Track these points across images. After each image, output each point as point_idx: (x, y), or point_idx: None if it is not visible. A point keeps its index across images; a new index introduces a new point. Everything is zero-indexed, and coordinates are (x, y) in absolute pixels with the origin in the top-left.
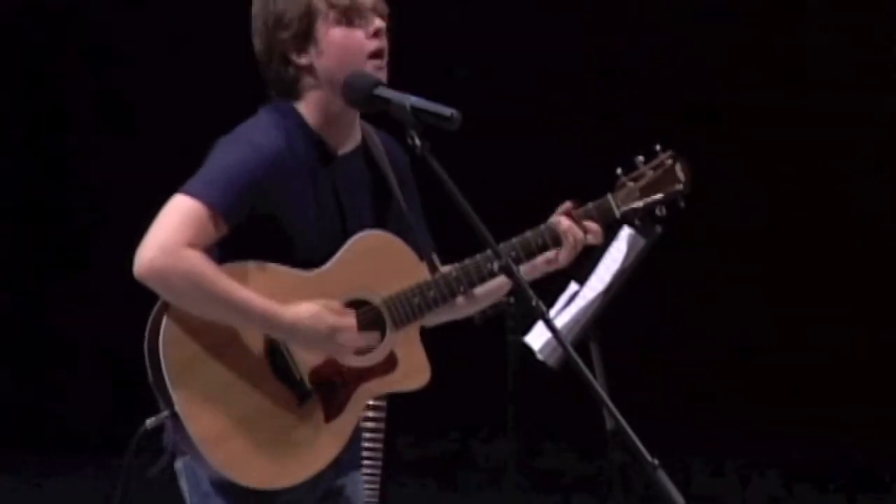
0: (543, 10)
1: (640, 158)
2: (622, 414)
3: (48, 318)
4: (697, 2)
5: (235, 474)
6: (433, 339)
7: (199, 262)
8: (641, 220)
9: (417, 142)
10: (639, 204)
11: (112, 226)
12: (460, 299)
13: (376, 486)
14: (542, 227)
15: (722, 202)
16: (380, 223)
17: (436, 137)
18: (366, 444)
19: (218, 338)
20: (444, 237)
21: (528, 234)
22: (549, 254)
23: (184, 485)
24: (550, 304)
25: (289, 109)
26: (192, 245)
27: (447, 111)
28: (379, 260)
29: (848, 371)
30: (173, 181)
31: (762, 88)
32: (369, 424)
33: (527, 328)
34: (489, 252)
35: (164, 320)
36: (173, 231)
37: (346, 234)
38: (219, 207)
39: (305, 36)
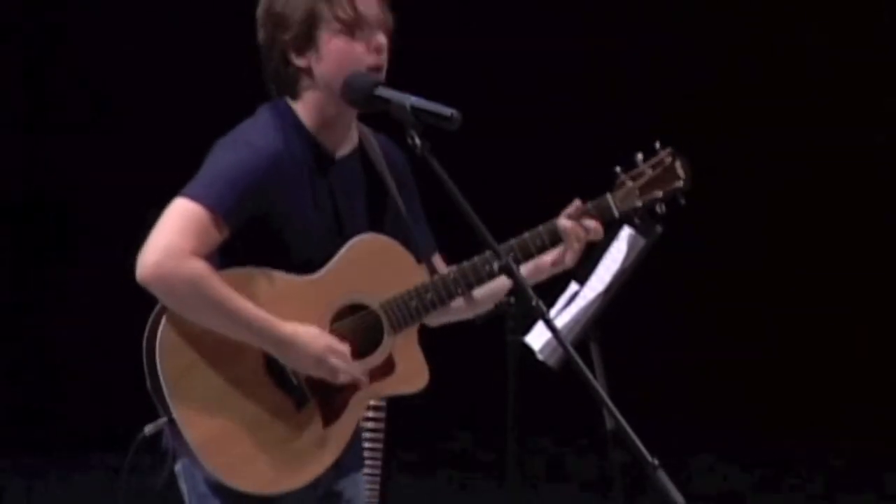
0: (543, 10)
1: (640, 156)
2: (622, 414)
3: (48, 318)
4: (697, 1)
5: (233, 480)
6: (433, 340)
7: (203, 270)
8: (641, 219)
9: (417, 142)
10: (638, 203)
11: (112, 226)
12: (460, 301)
13: (376, 487)
14: (541, 227)
15: (722, 202)
16: (377, 226)
17: (435, 137)
18: (366, 445)
19: (215, 344)
20: (444, 237)
21: (527, 235)
22: (555, 254)
23: (183, 486)
24: (550, 305)
25: (286, 110)
26: (195, 250)
27: (447, 111)
28: (376, 264)
29: (848, 371)
30: (172, 182)
31: (762, 88)
32: (369, 425)
33: (527, 328)
34: (487, 254)
35: (161, 327)
36: (177, 235)
37: (343, 238)
38: (220, 210)
39: (306, 40)
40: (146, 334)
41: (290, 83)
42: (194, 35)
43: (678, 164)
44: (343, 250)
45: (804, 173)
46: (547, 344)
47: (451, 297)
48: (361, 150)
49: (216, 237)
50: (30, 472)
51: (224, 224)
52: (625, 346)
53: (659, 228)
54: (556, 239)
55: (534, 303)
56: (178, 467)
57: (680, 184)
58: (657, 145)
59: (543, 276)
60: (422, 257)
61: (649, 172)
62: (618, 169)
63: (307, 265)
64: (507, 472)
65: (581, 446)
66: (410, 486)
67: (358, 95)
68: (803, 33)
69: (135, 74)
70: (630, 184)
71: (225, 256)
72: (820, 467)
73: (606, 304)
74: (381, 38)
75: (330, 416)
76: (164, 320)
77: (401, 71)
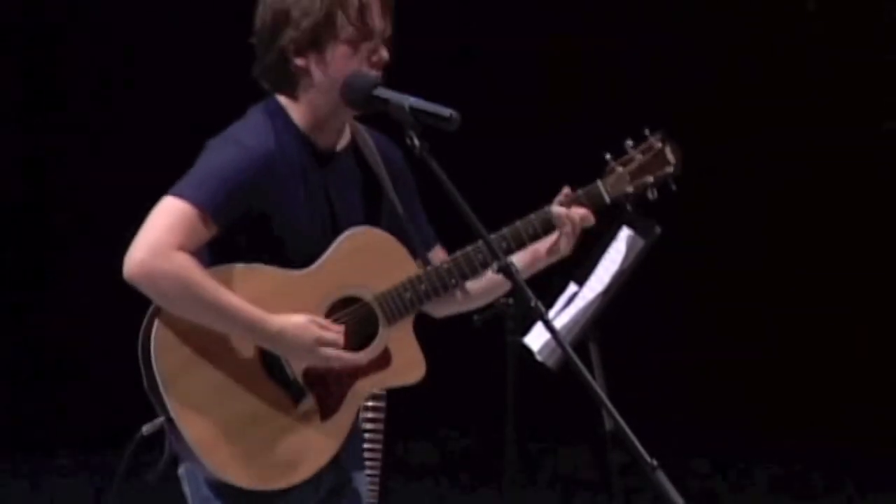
0: (543, 11)
1: (629, 142)
2: (621, 414)
3: (47, 318)
4: (697, 1)
5: (233, 477)
6: (433, 340)
7: (189, 266)
8: (633, 205)
9: (416, 142)
10: (629, 188)
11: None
12: (463, 290)
13: (376, 486)
14: (532, 215)
15: (722, 202)
16: (373, 222)
17: (435, 137)
18: (365, 445)
19: (210, 341)
20: (443, 237)
21: (518, 223)
22: (550, 242)
23: (186, 490)
24: (549, 305)
25: (278, 109)
26: (182, 246)
27: (446, 111)
28: (369, 256)
29: (848, 371)
30: (171, 182)
31: (762, 88)
32: (368, 425)
33: (526, 329)
34: (480, 243)
35: (156, 326)
36: (163, 233)
37: (337, 234)
38: (208, 209)
39: (312, 42)
40: (141, 334)
41: (286, 81)
42: (194, 35)
43: (668, 149)
44: (336, 244)
45: (804, 173)
46: (546, 345)
47: (446, 287)
48: (355, 147)
49: (203, 234)
50: (30, 472)
51: (212, 221)
52: (624, 346)
53: (658, 229)
54: (548, 227)
55: (533, 304)
56: (180, 471)
57: (670, 168)
58: (647, 131)
59: (540, 266)
60: (419, 252)
61: (639, 158)
62: (608, 155)
63: (301, 261)
64: (506, 473)
65: (580, 447)
66: (410, 486)
67: (357, 95)
68: (803, 33)
69: (135, 74)
70: (620, 170)
71: (217, 253)
72: (820, 467)
73: (605, 304)
74: (385, 53)
75: (328, 409)
76: (158, 319)
77: (401, 71)
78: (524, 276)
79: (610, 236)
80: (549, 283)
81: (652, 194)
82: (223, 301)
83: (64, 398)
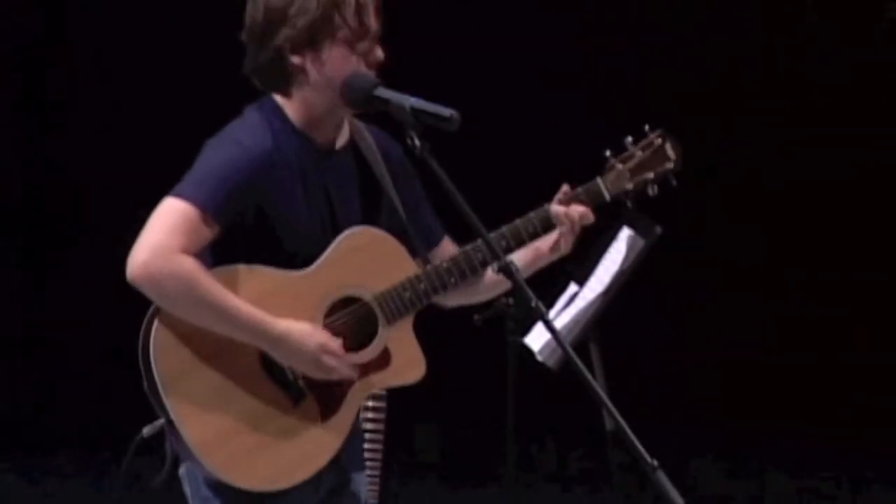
0: (543, 11)
1: (629, 139)
2: (621, 414)
3: (46, 318)
4: (697, 1)
5: (233, 477)
6: (434, 340)
7: (192, 268)
8: (633, 202)
9: (417, 142)
10: (629, 185)
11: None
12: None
13: (376, 486)
14: (532, 214)
15: (721, 202)
16: (372, 220)
17: (435, 137)
18: (366, 445)
19: (210, 342)
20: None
21: (518, 221)
22: (552, 240)
23: (186, 490)
24: (550, 305)
25: (273, 108)
26: (184, 248)
27: (446, 112)
28: (368, 256)
29: (848, 370)
30: (162, 180)
31: (762, 87)
32: (369, 425)
33: (526, 329)
34: (479, 242)
35: (155, 327)
36: (166, 234)
37: (336, 232)
38: (209, 209)
39: (309, 41)
40: (141, 335)
41: (281, 79)
42: (194, 35)
43: (668, 146)
44: (334, 244)
45: (804, 173)
46: (546, 345)
47: (445, 287)
48: (354, 145)
49: (206, 235)
50: (30, 472)
51: (213, 222)
52: (624, 346)
53: (658, 229)
54: (547, 225)
55: (533, 304)
56: (181, 471)
57: (670, 165)
58: (646, 127)
59: (542, 264)
60: (419, 250)
61: (639, 154)
62: (608, 152)
63: (301, 260)
64: (507, 473)
65: (580, 447)
66: (411, 486)
67: (357, 96)
68: (803, 33)
69: (135, 74)
70: (620, 167)
71: (218, 254)
72: (820, 467)
73: (606, 305)
74: (380, 54)
75: (328, 410)
76: (157, 321)
77: (401, 71)
78: (525, 273)
79: (610, 236)
80: (550, 283)
81: (652, 191)
82: (226, 304)
83: (64, 398)
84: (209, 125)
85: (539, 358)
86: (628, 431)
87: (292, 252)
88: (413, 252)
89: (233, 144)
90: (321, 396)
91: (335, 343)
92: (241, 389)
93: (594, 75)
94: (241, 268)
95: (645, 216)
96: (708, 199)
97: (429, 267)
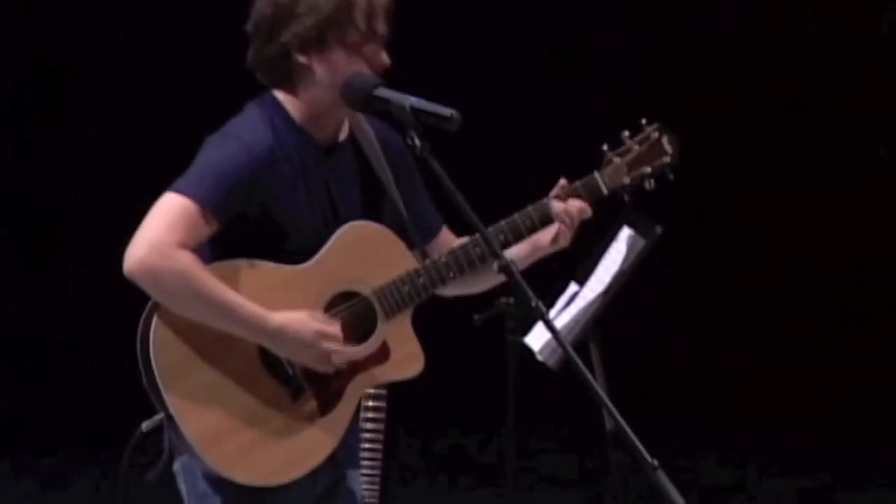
0: (544, 11)
1: (626, 133)
2: (622, 414)
3: (46, 318)
4: (697, 1)
5: (231, 472)
6: (434, 339)
7: (190, 263)
8: (631, 196)
9: (417, 142)
10: (626, 179)
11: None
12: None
13: (377, 486)
14: (530, 207)
15: (721, 202)
16: (373, 214)
17: (435, 137)
18: (366, 445)
19: (209, 338)
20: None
21: (516, 215)
22: (552, 232)
23: (182, 486)
24: (550, 305)
25: (275, 104)
26: (182, 243)
27: (447, 111)
28: (367, 250)
29: (848, 370)
30: (162, 179)
31: (762, 88)
32: (369, 425)
33: (527, 329)
34: (477, 236)
35: (154, 322)
36: (164, 229)
37: (337, 227)
38: (208, 205)
39: (317, 41)
40: (140, 330)
41: (285, 76)
42: (195, 34)
43: (665, 140)
44: (333, 239)
45: (804, 173)
46: (546, 345)
47: (444, 281)
48: (354, 140)
49: (204, 231)
50: (30, 472)
51: (212, 218)
52: (624, 346)
53: (658, 229)
54: (546, 219)
55: (533, 303)
56: (176, 466)
57: (668, 159)
58: (643, 121)
59: (542, 255)
60: (417, 244)
61: (636, 149)
62: (605, 147)
63: (302, 256)
64: (507, 473)
65: (580, 447)
66: (410, 486)
67: (358, 96)
68: (803, 33)
69: (135, 74)
70: (617, 161)
71: (218, 249)
72: (820, 467)
73: (606, 304)
74: (386, 57)
75: (326, 405)
76: (156, 316)
77: (401, 71)
78: (524, 265)
79: (611, 236)
80: (550, 283)
81: (649, 185)
82: (224, 299)
83: (64, 398)
84: (209, 124)
85: (539, 358)
86: (628, 431)
87: (293, 247)
88: (411, 244)
89: (233, 140)
90: (320, 392)
91: (333, 328)
92: (241, 385)
93: (593, 75)
94: (240, 262)
95: (645, 216)
96: (708, 199)
97: (428, 261)
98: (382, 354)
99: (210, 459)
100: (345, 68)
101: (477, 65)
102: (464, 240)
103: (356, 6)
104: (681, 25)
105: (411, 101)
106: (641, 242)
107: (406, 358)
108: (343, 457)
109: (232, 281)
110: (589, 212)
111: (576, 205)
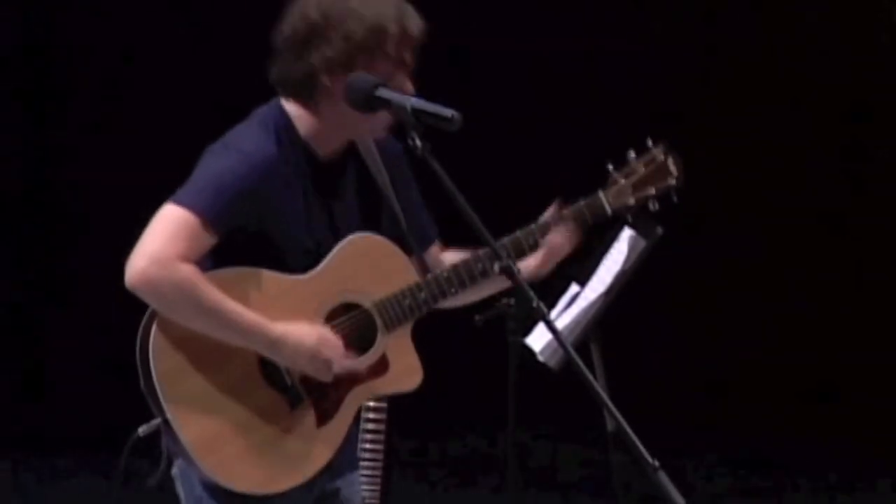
0: (544, 11)
1: (632, 154)
2: (622, 415)
3: (47, 318)
4: (697, 2)
5: (227, 480)
6: (435, 341)
7: (191, 275)
8: (635, 217)
9: (418, 143)
10: (630, 200)
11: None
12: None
13: (377, 486)
14: (533, 225)
15: (721, 203)
16: (372, 225)
17: (435, 137)
18: (366, 445)
19: (208, 345)
20: (444, 238)
21: (519, 233)
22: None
23: (179, 490)
24: (551, 306)
25: (280, 114)
26: (183, 256)
27: (447, 112)
28: (368, 262)
29: (848, 370)
30: (172, 182)
31: (762, 88)
32: (370, 426)
33: (528, 329)
34: (480, 252)
35: (154, 328)
36: (165, 241)
37: (337, 239)
38: (209, 216)
39: (345, 65)
40: (140, 335)
41: (307, 94)
42: (196, 34)
43: (671, 161)
44: (335, 250)
45: (804, 173)
46: (548, 345)
47: (445, 295)
48: (353, 149)
49: (205, 242)
50: (30, 472)
51: (213, 229)
52: (625, 347)
53: (659, 230)
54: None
55: (534, 304)
56: (174, 470)
57: (673, 181)
58: (649, 142)
59: (557, 259)
60: (416, 253)
61: (641, 170)
62: (610, 167)
63: (302, 267)
64: (507, 473)
65: (581, 447)
66: (411, 486)
67: (358, 96)
68: (803, 33)
69: (135, 74)
70: (622, 181)
71: (219, 260)
72: (820, 467)
73: (607, 305)
74: (411, 88)
75: (324, 415)
76: (156, 321)
77: None
78: (542, 274)
79: (612, 237)
80: (551, 283)
81: (653, 206)
82: (225, 310)
83: (64, 399)
84: (209, 124)
85: (540, 358)
86: (629, 432)
87: (292, 258)
88: (409, 252)
89: (234, 151)
90: (318, 402)
91: (333, 337)
92: (239, 392)
93: (594, 75)
94: (242, 271)
95: (646, 217)
96: (708, 199)
97: (429, 276)
98: (381, 367)
99: (206, 466)
100: None
101: (477, 65)
102: (463, 253)
103: (389, 35)
104: (681, 25)
105: (412, 101)
106: (642, 243)
107: (405, 371)
108: (340, 461)
109: (233, 288)
110: (577, 240)
111: (566, 234)
